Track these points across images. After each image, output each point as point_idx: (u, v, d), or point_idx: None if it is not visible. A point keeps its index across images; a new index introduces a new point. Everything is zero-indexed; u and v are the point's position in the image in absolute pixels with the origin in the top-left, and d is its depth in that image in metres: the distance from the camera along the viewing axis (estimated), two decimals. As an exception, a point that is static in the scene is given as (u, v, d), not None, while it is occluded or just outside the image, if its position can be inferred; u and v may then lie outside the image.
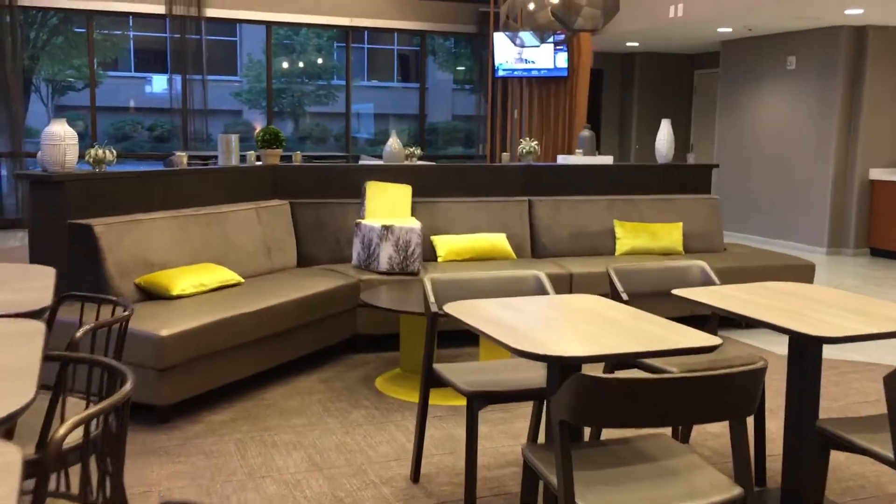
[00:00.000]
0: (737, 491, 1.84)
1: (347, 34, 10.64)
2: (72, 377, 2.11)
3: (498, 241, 5.09)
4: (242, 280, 4.21)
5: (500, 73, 10.09)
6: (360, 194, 5.14)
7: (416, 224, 4.56)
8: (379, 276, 4.50)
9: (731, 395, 1.79)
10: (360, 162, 8.18)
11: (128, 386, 1.31)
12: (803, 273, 5.31)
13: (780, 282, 2.90)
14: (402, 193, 4.91)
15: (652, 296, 3.10)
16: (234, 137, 4.98)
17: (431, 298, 2.78)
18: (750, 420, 3.30)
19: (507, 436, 3.33)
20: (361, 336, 4.55)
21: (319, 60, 13.89)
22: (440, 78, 14.33)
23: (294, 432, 3.32)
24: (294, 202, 4.98)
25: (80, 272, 3.78)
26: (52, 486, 2.06)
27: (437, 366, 2.75)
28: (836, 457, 3.14)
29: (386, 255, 4.52)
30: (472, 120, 11.61)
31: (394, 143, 5.54)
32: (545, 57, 9.86)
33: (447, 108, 14.67)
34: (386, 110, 14.64)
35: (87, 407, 1.68)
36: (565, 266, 4.93)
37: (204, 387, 3.53)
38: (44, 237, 3.90)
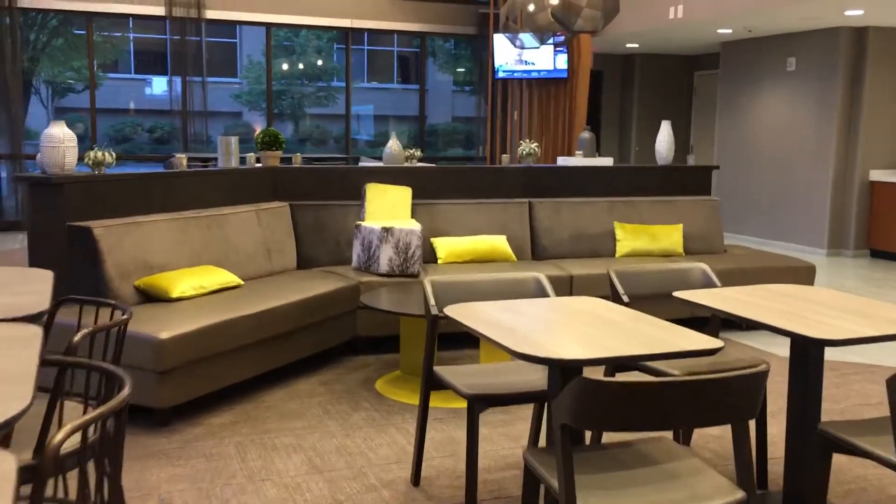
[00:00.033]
0: (739, 495, 1.83)
1: (347, 36, 10.64)
2: (70, 380, 2.10)
3: (498, 242, 5.08)
4: (242, 282, 4.20)
5: (500, 75, 10.08)
6: (360, 196, 5.13)
7: (416, 226, 4.55)
8: (379, 278, 4.49)
9: (734, 399, 1.78)
10: (360, 164, 8.17)
11: (125, 391, 1.30)
12: (804, 275, 5.30)
13: (781, 284, 2.89)
14: (402, 195, 4.91)
15: (653, 298, 3.09)
16: (234, 139, 4.98)
17: (432, 301, 2.77)
18: (751, 422, 3.29)
19: (507, 438, 3.32)
20: (361, 338, 4.54)
21: (319, 62, 13.89)
22: (440, 79, 14.32)
23: (294, 435, 3.31)
24: (294, 204, 4.97)
25: (80, 274, 3.78)
26: (49, 491, 2.05)
27: (437, 368, 2.74)
28: (838, 459, 3.13)
29: (386, 257, 4.51)
30: (472, 121, 11.60)
31: (394, 144, 5.53)
32: (545, 58, 9.86)
33: (447, 109, 14.66)
34: (386, 112, 14.63)
35: (85, 411, 1.67)
36: (565, 268, 4.92)
37: (204, 389, 3.52)
38: (43, 239, 3.89)
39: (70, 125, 3.97)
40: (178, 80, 9.64)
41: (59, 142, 3.85)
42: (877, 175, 8.50)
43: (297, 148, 12.85)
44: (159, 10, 9.45)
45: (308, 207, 4.97)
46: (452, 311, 2.43)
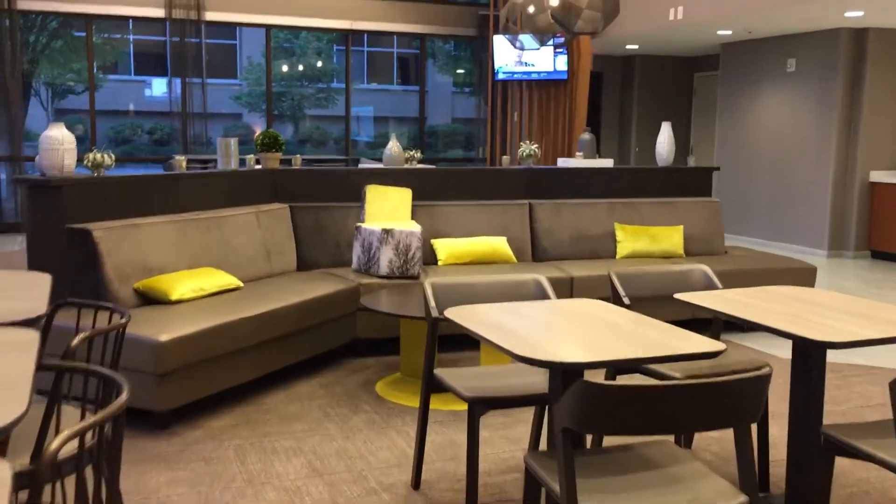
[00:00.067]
0: (742, 499, 1.82)
1: (347, 37, 10.63)
2: (69, 384, 2.09)
3: (498, 244, 5.07)
4: (242, 284, 4.19)
5: (500, 76, 10.08)
6: (360, 198, 5.12)
7: (416, 228, 4.55)
8: (379, 280, 4.48)
9: (736, 402, 1.77)
10: (360, 165, 8.17)
11: (123, 396, 1.29)
12: (805, 276, 5.29)
13: (783, 286, 2.88)
14: (402, 197, 4.90)
15: (653, 300, 3.08)
16: (234, 141, 4.97)
17: (432, 303, 2.76)
18: (753, 425, 3.28)
19: (508, 441, 3.31)
20: (361, 340, 4.53)
21: (319, 63, 13.88)
22: (440, 81, 14.32)
23: (294, 438, 3.30)
24: (294, 206, 4.96)
25: (79, 277, 3.77)
26: (47, 496, 2.04)
27: (437, 371, 2.73)
28: (840, 462, 3.12)
29: (386, 258, 4.50)
30: (472, 123, 11.60)
31: (394, 146, 5.52)
32: (545, 60, 9.86)
33: (447, 111, 14.66)
34: (386, 113, 14.63)
35: (82, 416, 1.66)
36: (566, 269, 4.91)
37: (203, 392, 3.51)
38: (42, 242, 3.88)
39: (70, 127, 3.96)
40: (177, 82, 9.64)
41: (59, 144, 3.84)
42: (877, 176, 8.50)
43: (296, 149, 12.84)
44: (159, 12, 9.44)
45: (308, 209, 4.96)
46: (453, 313, 2.42)
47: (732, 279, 5.05)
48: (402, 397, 3.81)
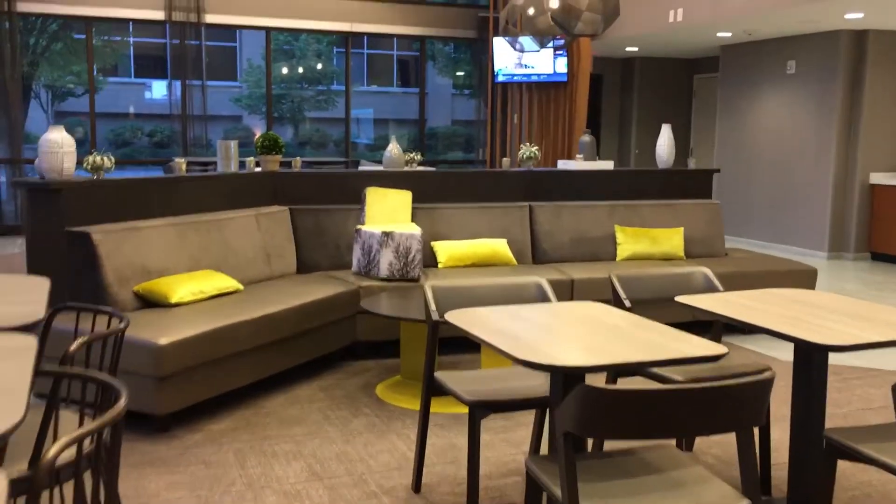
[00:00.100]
0: (744, 503, 1.81)
1: (347, 39, 10.63)
2: (67, 387, 2.08)
3: (499, 246, 5.07)
4: (242, 287, 4.18)
5: (500, 78, 10.08)
6: (360, 200, 5.12)
7: (416, 230, 4.54)
8: (379, 283, 4.48)
9: (739, 407, 1.76)
10: (360, 168, 8.16)
11: (122, 402, 1.28)
12: (805, 278, 5.29)
13: (784, 288, 2.87)
14: (402, 199, 4.89)
15: (654, 302, 3.07)
16: (234, 143, 4.96)
17: (433, 306, 2.75)
18: (755, 428, 3.27)
19: (508, 444, 3.30)
20: (361, 343, 4.52)
21: (319, 66, 13.88)
22: (440, 83, 14.32)
23: (294, 441, 3.29)
24: (294, 208, 4.95)
25: (79, 280, 3.76)
26: (46, 502, 2.03)
27: (438, 374, 2.72)
28: (841, 465, 3.11)
29: (386, 261, 4.49)
30: (472, 125, 11.60)
31: (394, 148, 5.52)
32: (545, 62, 9.86)
33: (447, 112, 14.66)
34: (386, 115, 14.63)
35: (81, 421, 1.65)
36: (566, 272, 4.90)
37: (203, 395, 3.50)
38: (42, 245, 3.88)
39: (70, 129, 3.95)
40: (177, 84, 9.64)
41: (58, 147, 3.83)
42: (877, 178, 8.49)
43: (296, 151, 12.84)
44: (159, 15, 9.44)
45: (308, 212, 4.96)
46: (453, 316, 2.41)
47: (733, 281, 5.05)
48: (402, 400, 3.80)
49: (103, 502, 1.35)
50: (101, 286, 3.69)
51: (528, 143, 7.93)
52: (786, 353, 4.76)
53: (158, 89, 13.64)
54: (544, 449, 3.10)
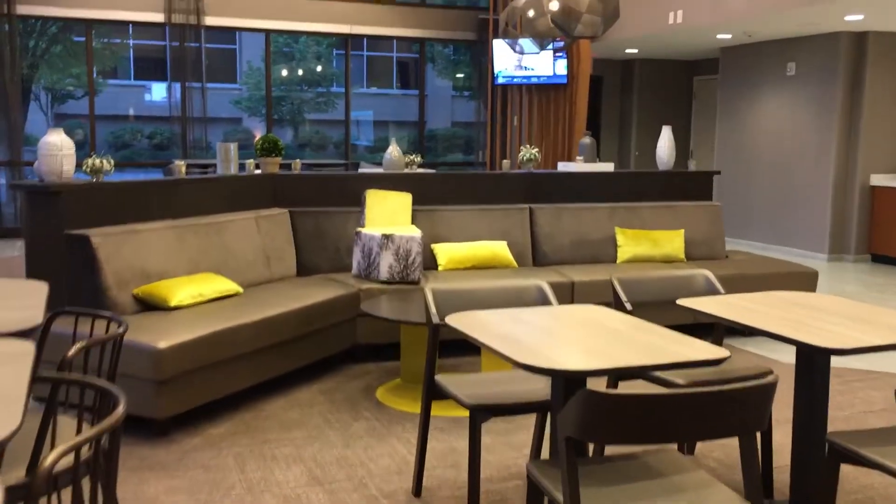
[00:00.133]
0: (747, 508, 1.80)
1: (347, 41, 10.63)
2: (66, 392, 2.07)
3: (499, 249, 5.06)
4: (241, 290, 4.17)
5: (500, 81, 10.07)
6: (360, 202, 5.11)
7: (416, 233, 4.53)
8: (379, 286, 4.46)
9: (743, 411, 1.75)
10: (360, 170, 8.15)
11: (120, 409, 1.27)
12: (806, 280, 5.27)
13: (785, 291, 2.86)
14: (402, 201, 4.88)
15: (655, 305, 3.06)
16: (233, 146, 4.95)
17: (433, 310, 2.74)
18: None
19: (509, 447, 3.29)
20: (362, 346, 4.51)
21: (319, 68, 13.88)
22: (439, 85, 14.32)
23: (294, 445, 3.28)
24: (293, 211, 4.94)
25: (78, 283, 3.75)
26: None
27: (438, 378, 2.71)
28: (844, 468, 3.10)
29: (386, 264, 4.48)
30: (472, 127, 11.59)
31: (394, 150, 5.51)
32: (545, 64, 9.85)
33: (446, 114, 14.65)
34: (385, 117, 14.62)
35: (79, 426, 1.64)
36: (567, 274, 4.89)
37: (202, 399, 3.49)
38: (41, 248, 3.87)
39: (69, 131, 3.94)
40: (177, 87, 9.63)
41: (58, 150, 3.83)
42: (877, 180, 8.48)
43: (296, 153, 12.83)
44: (159, 17, 9.44)
45: (308, 214, 4.95)
46: (454, 320, 2.40)
47: (734, 284, 5.04)
48: (402, 403, 3.79)
49: (101, 509, 1.34)
50: (100, 289, 3.68)
51: (528, 145, 7.92)
52: (787, 355, 4.75)
53: (158, 91, 13.64)
54: (545, 453, 3.09)
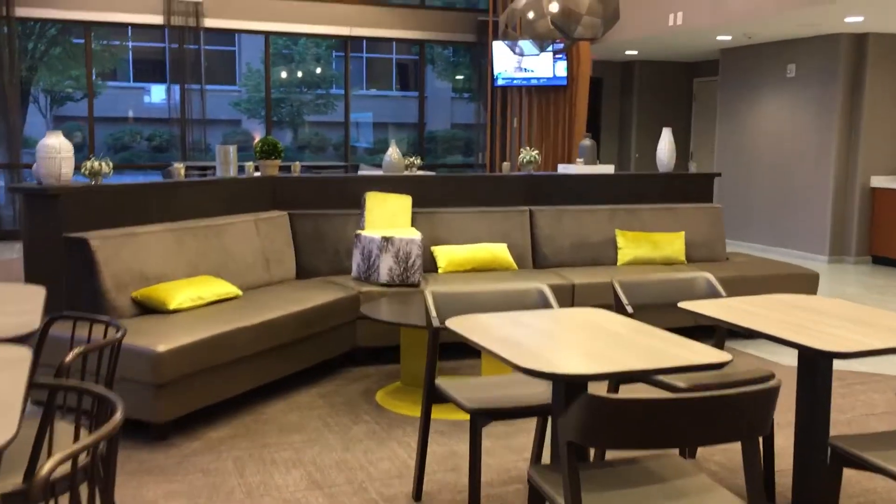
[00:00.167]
0: (750, 513, 1.78)
1: (346, 43, 10.62)
2: (63, 396, 2.06)
3: (499, 251, 5.04)
4: (241, 293, 4.15)
5: (500, 82, 10.07)
6: (359, 205, 5.09)
7: (416, 235, 4.52)
8: (379, 288, 4.45)
9: (745, 415, 1.74)
10: (360, 172, 8.14)
11: (118, 416, 1.26)
12: (807, 282, 5.26)
13: (786, 294, 2.85)
14: (402, 204, 4.87)
15: (656, 307, 3.05)
16: (233, 148, 4.94)
17: (433, 313, 2.73)
18: (757, 434, 3.24)
19: (509, 451, 3.28)
20: (361, 349, 4.49)
21: (318, 70, 13.87)
22: (439, 87, 14.31)
23: (293, 449, 3.27)
24: (293, 213, 4.93)
25: (77, 286, 3.73)
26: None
27: (439, 381, 2.70)
28: (846, 472, 3.09)
29: (386, 266, 4.47)
30: (472, 128, 11.58)
31: (393, 153, 5.50)
32: (544, 66, 9.85)
33: (446, 116, 14.65)
34: (385, 119, 14.61)
35: (76, 432, 1.63)
36: (567, 277, 4.88)
37: (201, 402, 3.47)
38: (39, 251, 3.85)
39: (69, 134, 3.93)
40: (176, 89, 9.62)
41: (56, 152, 3.81)
42: (878, 181, 8.48)
43: (296, 155, 12.82)
44: (158, 19, 9.43)
45: (307, 216, 4.93)
46: (454, 323, 2.38)
47: (735, 286, 5.02)
48: (402, 406, 3.78)
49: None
50: (99, 292, 3.67)
51: (528, 147, 7.92)
52: (787, 358, 4.74)
53: (157, 93, 13.63)
54: (546, 457, 3.08)
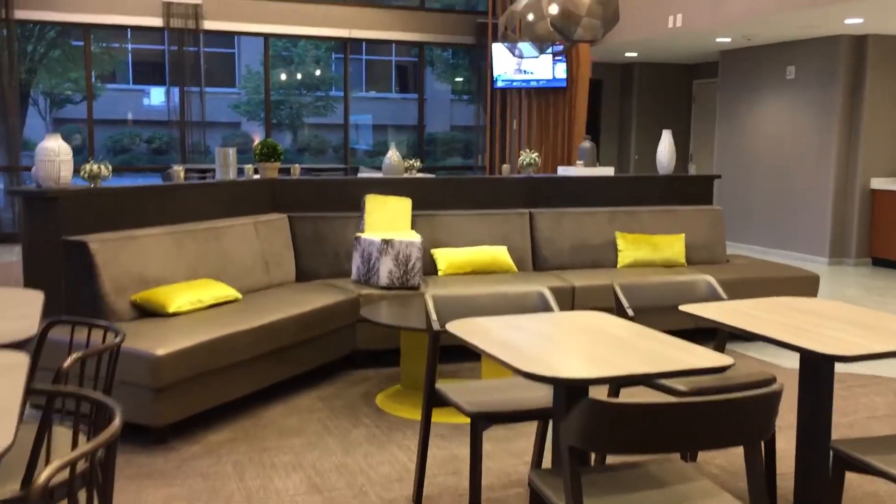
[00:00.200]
0: (752, 518, 1.77)
1: (346, 45, 10.62)
2: (61, 401, 2.05)
3: (499, 253, 5.03)
4: (240, 296, 4.14)
5: (499, 84, 10.06)
6: (359, 207, 5.09)
7: (416, 238, 4.51)
8: (379, 291, 4.44)
9: (747, 420, 1.73)
10: (360, 175, 8.13)
11: (116, 422, 1.25)
12: (807, 284, 5.25)
13: (787, 296, 2.85)
14: (401, 206, 4.86)
15: (657, 310, 3.04)
16: (232, 151, 4.93)
17: (434, 316, 2.72)
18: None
19: (510, 454, 3.26)
20: (361, 352, 4.48)
21: (318, 72, 13.86)
22: (438, 89, 14.31)
23: (293, 453, 3.25)
24: (292, 216, 4.92)
25: (76, 289, 3.72)
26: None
27: (439, 385, 2.69)
28: (848, 474, 3.08)
29: (386, 269, 4.46)
30: (471, 130, 11.58)
31: (393, 155, 5.49)
32: (544, 67, 9.84)
33: (445, 118, 14.64)
34: (384, 121, 14.61)
35: (74, 437, 1.62)
36: (567, 279, 4.87)
37: (201, 406, 3.46)
38: (38, 254, 3.84)
39: (68, 136, 3.93)
40: (176, 91, 9.61)
41: (55, 155, 3.80)
42: (878, 183, 8.47)
43: (295, 157, 12.80)
44: (157, 21, 9.43)
45: (307, 219, 4.93)
46: (455, 326, 2.38)
47: (735, 288, 5.02)
48: (402, 410, 3.77)
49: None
50: (98, 295, 3.65)
51: (527, 150, 7.91)
52: (788, 360, 4.73)
53: (157, 96, 13.62)
54: (547, 461, 3.07)
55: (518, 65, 9.85)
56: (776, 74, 9.19)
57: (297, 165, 5.72)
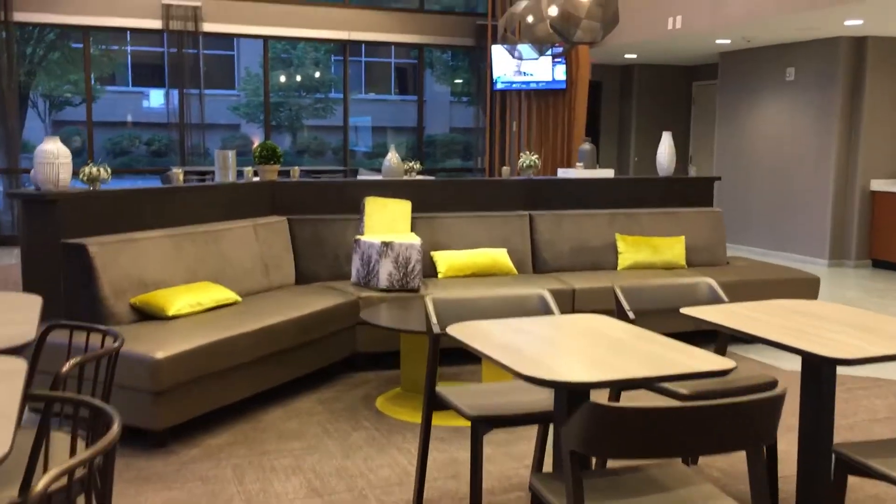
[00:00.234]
0: (754, 523, 1.76)
1: (345, 47, 10.61)
2: (60, 405, 2.04)
3: (499, 256, 5.03)
4: (240, 298, 4.13)
5: (499, 86, 10.06)
6: (359, 210, 5.08)
7: (415, 240, 4.50)
8: (379, 294, 4.43)
9: (750, 424, 1.72)
10: (359, 176, 8.12)
11: (114, 429, 1.24)
12: (808, 287, 5.25)
13: (788, 299, 2.84)
14: (401, 209, 4.85)
15: (658, 313, 3.03)
16: (231, 153, 4.92)
17: (434, 319, 2.71)
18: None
19: (510, 458, 3.25)
20: (361, 354, 4.47)
21: (317, 74, 13.86)
22: (437, 90, 14.30)
23: (293, 456, 3.24)
24: (292, 218, 4.91)
25: (75, 292, 3.71)
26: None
27: (439, 388, 2.68)
28: (850, 478, 3.06)
29: (385, 271, 4.45)
30: (471, 132, 11.57)
31: (393, 157, 5.48)
32: (543, 69, 9.84)
33: (445, 120, 14.64)
34: (384, 123, 14.60)
35: (72, 443, 1.61)
36: (567, 281, 4.86)
37: (200, 409, 3.45)
38: (37, 257, 3.83)
39: (67, 138, 3.92)
40: (175, 93, 9.61)
41: (54, 158, 3.79)
42: (878, 185, 8.47)
43: (294, 159, 12.79)
44: (156, 24, 9.42)
45: (306, 222, 4.92)
46: (455, 330, 2.37)
47: (736, 290, 5.01)
48: (402, 413, 3.76)
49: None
50: (97, 299, 3.64)
51: (527, 152, 7.90)
52: (789, 363, 4.72)
53: (156, 98, 13.61)
54: (548, 464, 3.06)
55: (517, 67, 9.85)
56: (776, 76, 9.19)
57: (296, 168, 5.71)
